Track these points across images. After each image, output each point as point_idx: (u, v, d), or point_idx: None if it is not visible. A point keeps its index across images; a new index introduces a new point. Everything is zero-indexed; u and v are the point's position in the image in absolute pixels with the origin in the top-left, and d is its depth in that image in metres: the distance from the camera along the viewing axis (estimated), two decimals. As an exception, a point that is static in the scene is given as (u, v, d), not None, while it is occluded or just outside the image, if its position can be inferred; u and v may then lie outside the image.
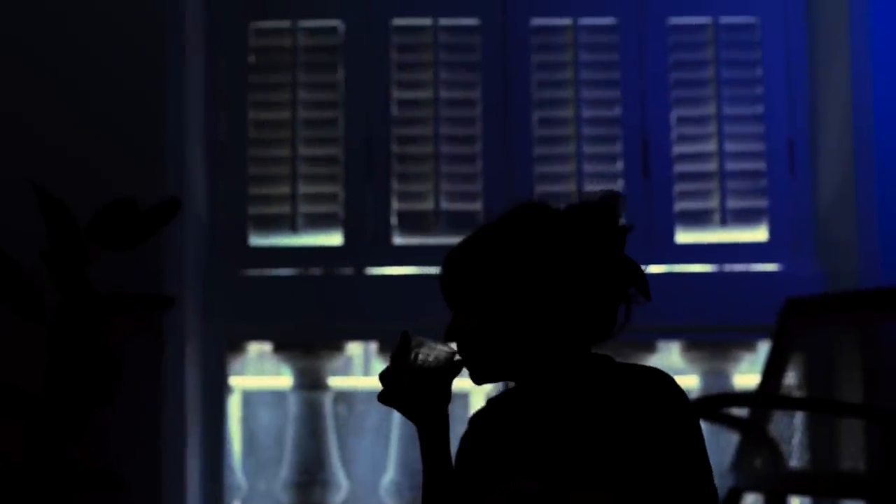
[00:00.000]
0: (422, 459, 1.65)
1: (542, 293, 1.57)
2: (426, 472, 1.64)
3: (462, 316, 1.61)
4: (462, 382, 1.66)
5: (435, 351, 1.61)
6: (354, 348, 3.79)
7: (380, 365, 3.69)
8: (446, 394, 1.62)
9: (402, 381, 1.60)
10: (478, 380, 1.62)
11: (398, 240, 3.58)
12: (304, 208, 3.60)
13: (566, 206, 1.60)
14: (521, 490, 1.50)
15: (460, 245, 1.62)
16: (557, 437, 1.58)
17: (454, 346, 1.61)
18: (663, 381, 1.56)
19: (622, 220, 1.59)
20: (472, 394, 3.61)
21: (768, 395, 3.24)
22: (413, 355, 1.60)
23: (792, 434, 3.19)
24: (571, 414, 1.55)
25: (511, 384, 1.69)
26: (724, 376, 3.57)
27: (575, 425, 1.53)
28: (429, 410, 1.62)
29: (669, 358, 3.63)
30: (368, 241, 3.59)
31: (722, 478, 3.29)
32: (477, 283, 1.58)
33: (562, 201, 1.62)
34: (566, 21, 3.62)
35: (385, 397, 1.62)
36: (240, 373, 3.72)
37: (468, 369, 1.63)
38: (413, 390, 1.60)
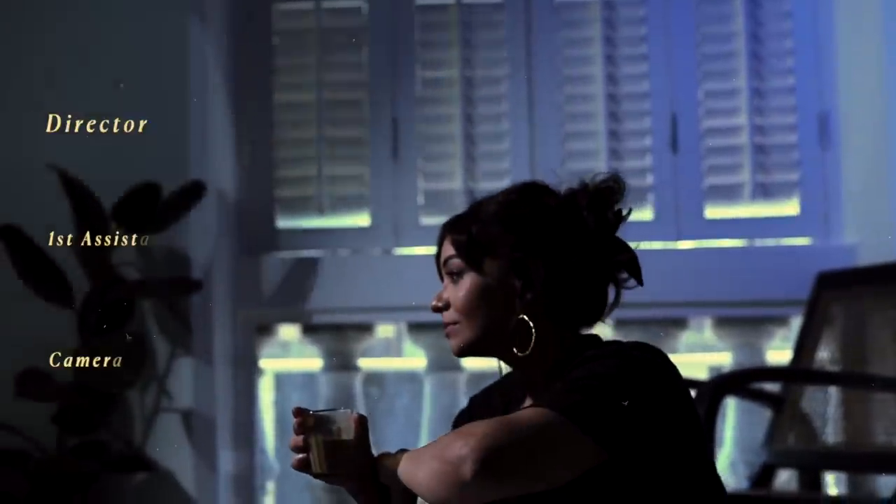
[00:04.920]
0: None
1: (528, 260, 1.60)
2: None
3: (450, 288, 1.66)
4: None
5: (337, 417, 1.58)
6: (384, 329, 3.78)
7: (411, 346, 3.69)
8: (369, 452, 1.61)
9: (345, 453, 1.58)
10: (458, 351, 1.66)
11: (425, 220, 3.57)
12: (330, 190, 3.60)
13: (567, 188, 1.65)
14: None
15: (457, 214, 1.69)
16: None
17: (345, 410, 1.60)
18: (651, 352, 1.55)
19: (621, 205, 1.63)
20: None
21: (801, 370, 3.20)
22: (328, 427, 1.57)
23: (825, 409, 3.15)
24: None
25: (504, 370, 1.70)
26: (757, 351, 3.53)
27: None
28: (366, 475, 1.60)
29: (701, 333, 3.59)
30: (396, 221, 3.58)
31: (755, 454, 3.26)
32: (469, 237, 1.62)
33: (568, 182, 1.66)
34: (591, -4, 3.59)
35: (326, 469, 1.58)
36: (271, 355, 3.72)
37: (450, 340, 1.65)
38: (355, 460, 1.59)
